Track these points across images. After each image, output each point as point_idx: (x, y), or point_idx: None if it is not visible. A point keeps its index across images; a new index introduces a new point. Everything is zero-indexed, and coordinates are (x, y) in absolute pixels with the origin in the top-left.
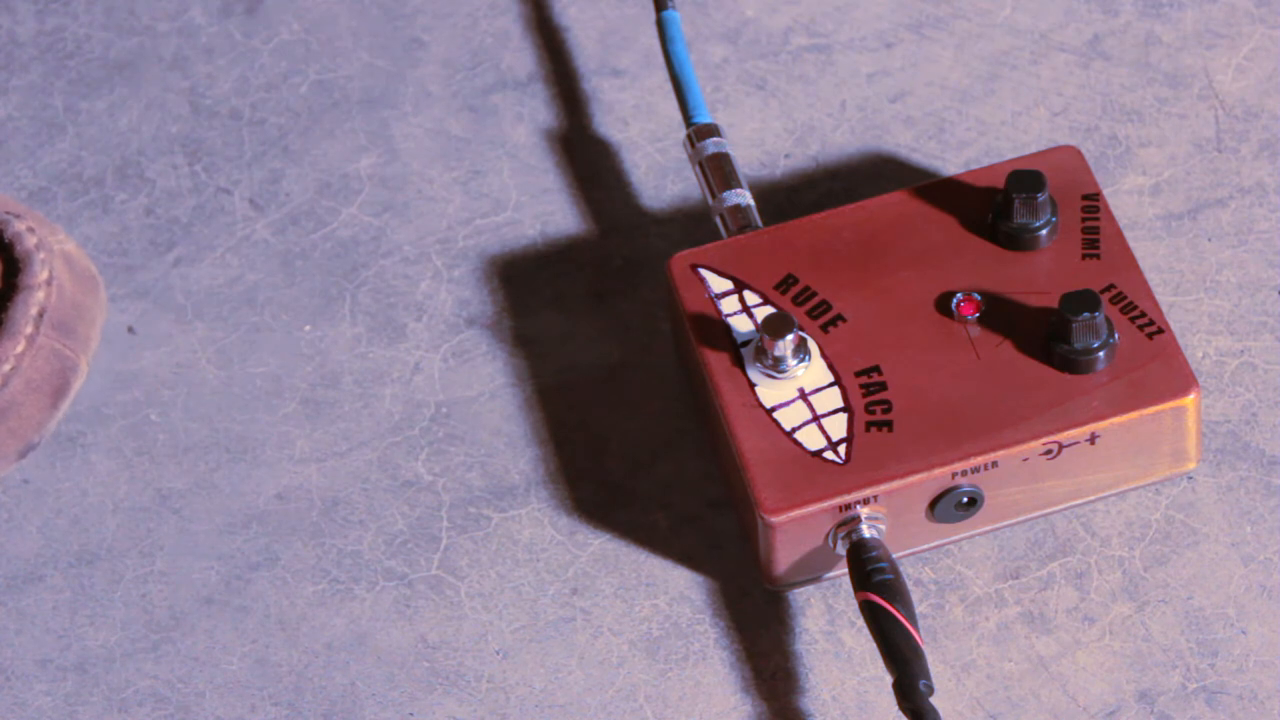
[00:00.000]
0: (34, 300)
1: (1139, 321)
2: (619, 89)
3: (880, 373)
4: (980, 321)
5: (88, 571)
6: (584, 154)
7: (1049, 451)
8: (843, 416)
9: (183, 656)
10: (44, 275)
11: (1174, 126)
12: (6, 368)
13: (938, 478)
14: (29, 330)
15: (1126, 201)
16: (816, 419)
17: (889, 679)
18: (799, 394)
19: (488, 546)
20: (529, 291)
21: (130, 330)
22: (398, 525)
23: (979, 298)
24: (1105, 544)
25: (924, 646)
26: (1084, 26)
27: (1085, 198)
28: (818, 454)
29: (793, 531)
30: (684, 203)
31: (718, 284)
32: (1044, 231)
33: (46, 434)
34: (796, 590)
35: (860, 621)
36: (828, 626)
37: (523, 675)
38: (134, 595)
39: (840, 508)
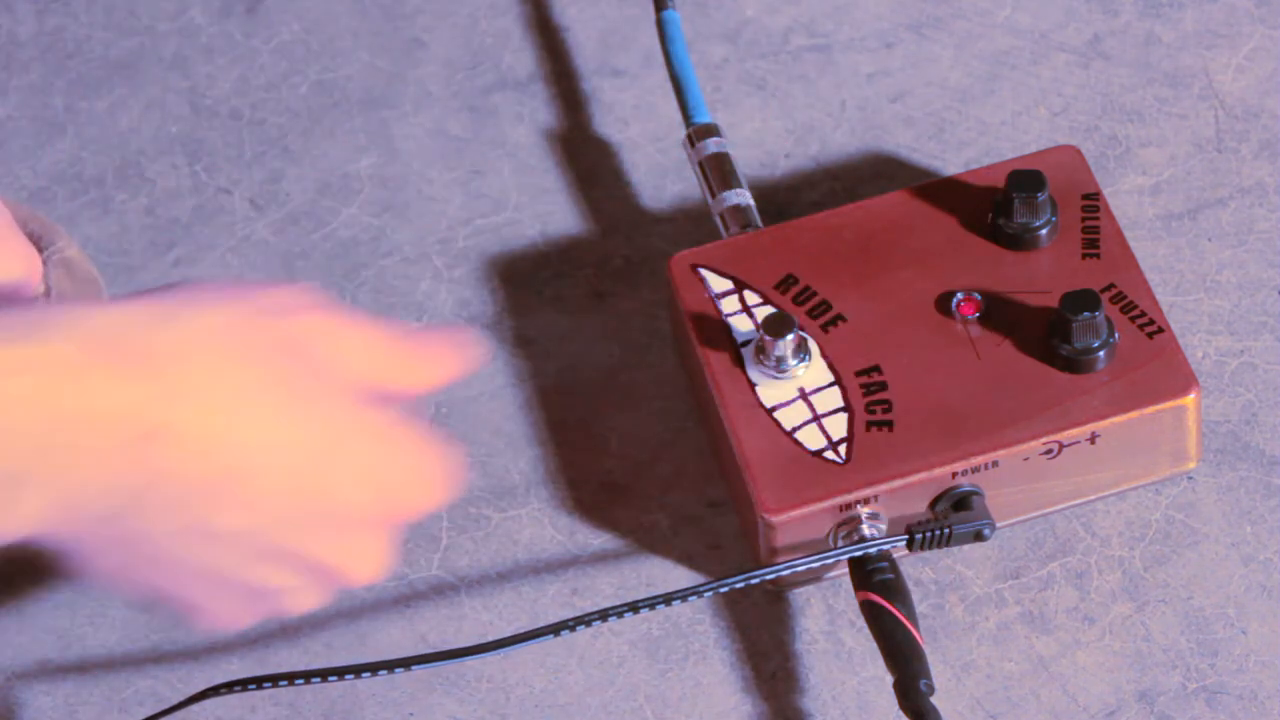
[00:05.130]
0: None
1: (1139, 321)
2: (619, 89)
3: (880, 372)
4: (980, 321)
5: None
6: (584, 154)
7: (1049, 451)
8: (843, 416)
9: (183, 656)
10: (43, 287)
11: (1174, 126)
12: None
13: (938, 478)
14: None
15: (1126, 201)
16: (817, 419)
17: (889, 679)
18: (799, 394)
19: (488, 546)
20: (529, 291)
21: None
22: None
23: (979, 297)
24: (1105, 544)
25: (924, 646)
26: (1084, 26)
27: (1085, 197)
28: (818, 454)
29: (793, 531)
30: (684, 203)
31: (718, 284)
32: (1044, 231)
33: None
34: (796, 590)
35: (860, 621)
36: (828, 626)
37: (522, 675)
38: None
39: (840, 507)
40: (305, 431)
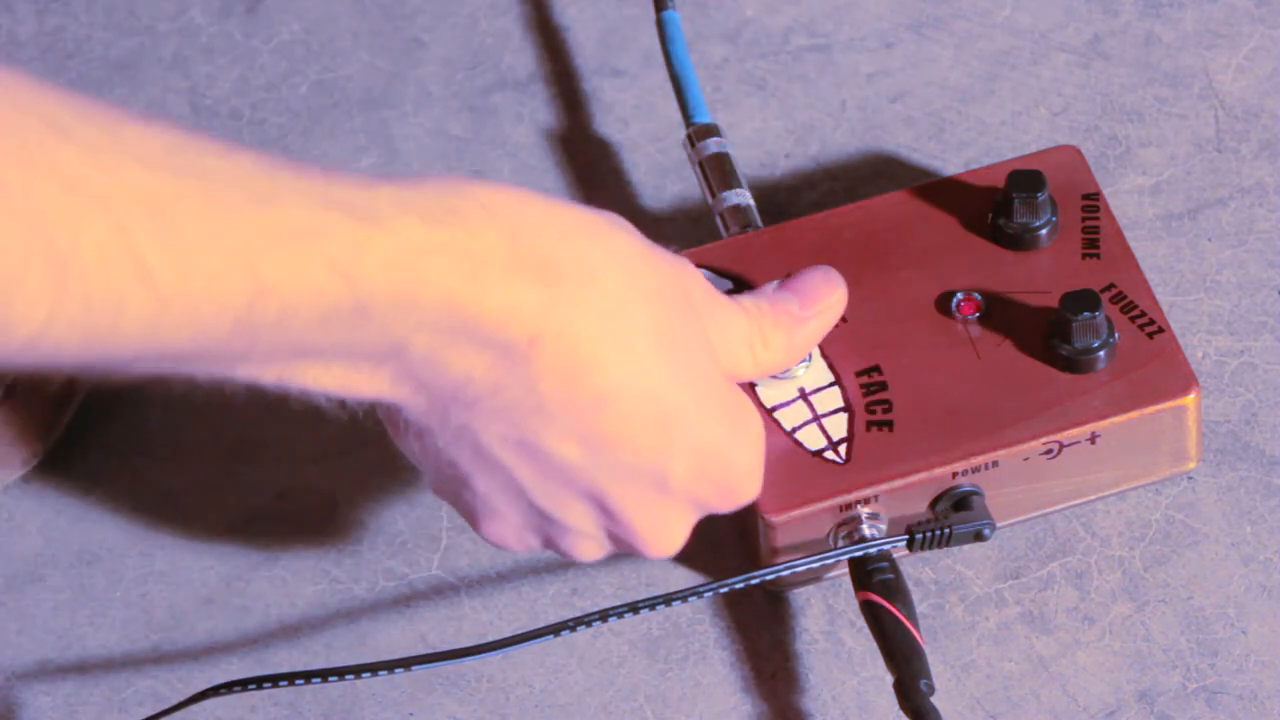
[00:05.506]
0: None
1: (1139, 321)
2: (619, 89)
3: (880, 372)
4: (980, 321)
5: (88, 571)
6: (584, 154)
7: (1049, 451)
8: (843, 416)
9: (183, 656)
10: None
11: (1174, 126)
12: (10, 379)
13: (938, 478)
14: None
15: (1126, 201)
16: (817, 419)
17: (889, 679)
18: (799, 394)
19: (488, 546)
20: None
21: None
22: (398, 525)
23: (979, 297)
24: (1105, 544)
25: (924, 646)
26: (1084, 26)
27: (1085, 197)
28: (818, 454)
29: (793, 531)
30: (684, 203)
31: (718, 284)
32: (1044, 231)
33: (52, 441)
34: (796, 590)
35: (860, 621)
36: (828, 626)
37: (522, 675)
38: (134, 595)
39: (840, 507)
40: (674, 389)
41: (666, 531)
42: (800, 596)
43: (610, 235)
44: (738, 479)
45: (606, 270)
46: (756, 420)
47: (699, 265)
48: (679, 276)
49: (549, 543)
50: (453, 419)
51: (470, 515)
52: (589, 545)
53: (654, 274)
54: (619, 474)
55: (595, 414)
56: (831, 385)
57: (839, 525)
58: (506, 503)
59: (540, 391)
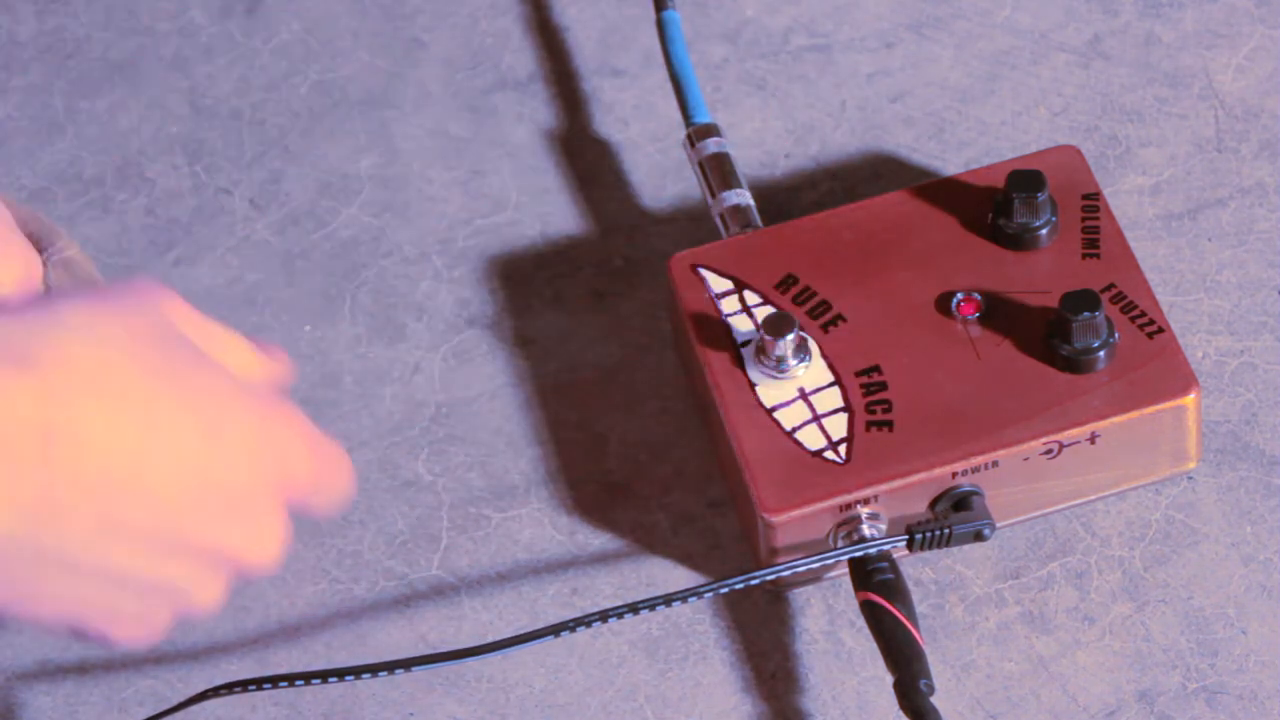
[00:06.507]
0: None
1: (1139, 321)
2: (619, 89)
3: (880, 372)
4: (980, 321)
5: None
6: (584, 154)
7: (1049, 451)
8: (843, 416)
9: (183, 656)
10: (43, 287)
11: (1174, 126)
12: None
13: (938, 478)
14: None
15: (1126, 201)
16: (816, 419)
17: (889, 679)
18: (799, 394)
19: (488, 546)
20: (529, 291)
21: None
22: (398, 525)
23: (979, 297)
24: (1105, 544)
25: (924, 646)
26: (1084, 26)
27: (1085, 197)
28: (818, 454)
29: (793, 531)
30: (684, 203)
31: (718, 284)
32: (1044, 231)
33: None
34: (796, 590)
35: (860, 621)
36: (828, 626)
37: (522, 675)
38: None
39: (840, 507)
40: (192, 414)
41: (261, 543)
42: (800, 596)
43: (64, 315)
44: (297, 468)
45: (77, 343)
46: (287, 411)
47: (699, 265)
48: (144, 315)
49: (180, 610)
50: (24, 553)
51: (97, 638)
52: (208, 591)
53: (121, 328)
54: (194, 513)
55: (146, 473)
56: (831, 385)
57: (839, 525)
58: (120, 603)
59: (87, 477)
